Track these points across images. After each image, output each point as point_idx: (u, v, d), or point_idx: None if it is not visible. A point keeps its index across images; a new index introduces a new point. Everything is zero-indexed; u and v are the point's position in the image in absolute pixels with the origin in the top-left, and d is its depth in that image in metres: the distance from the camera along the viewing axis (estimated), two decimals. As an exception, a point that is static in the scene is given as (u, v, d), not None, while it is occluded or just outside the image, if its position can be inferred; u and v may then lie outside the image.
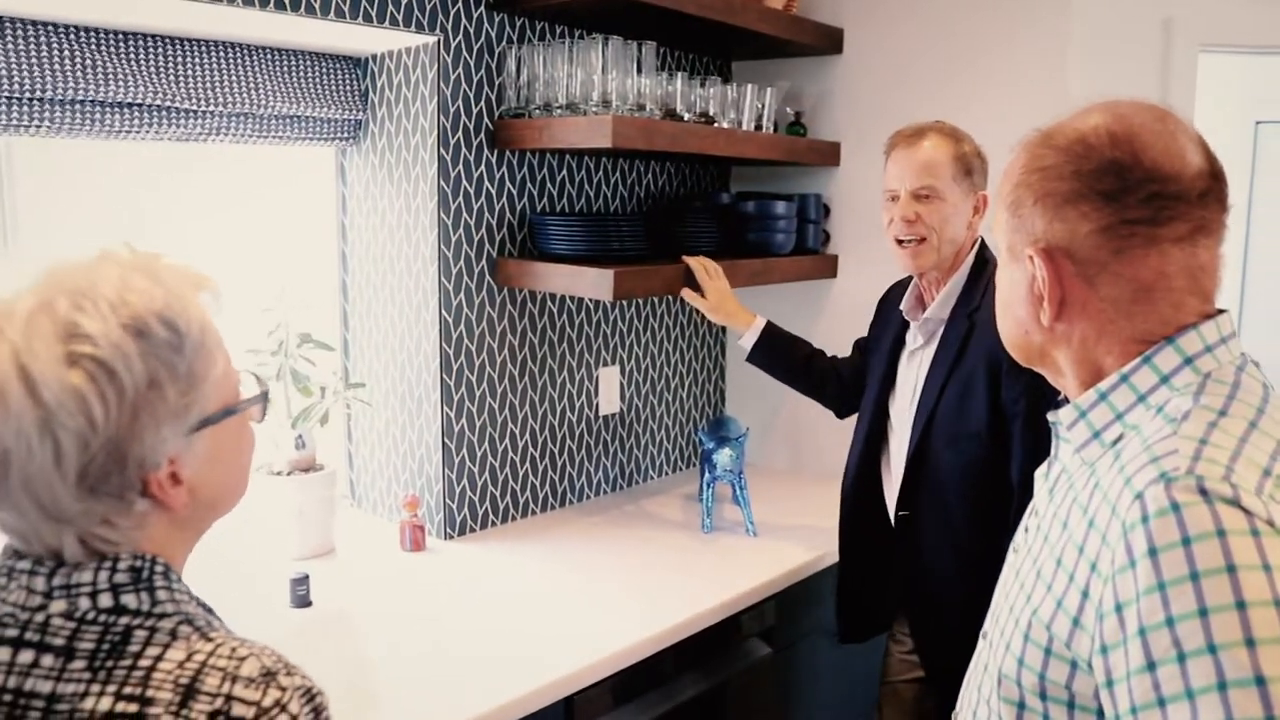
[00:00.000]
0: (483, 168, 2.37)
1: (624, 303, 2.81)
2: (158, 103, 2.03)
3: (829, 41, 2.82)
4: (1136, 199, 0.95)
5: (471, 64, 2.31)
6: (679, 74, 2.42)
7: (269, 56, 2.22)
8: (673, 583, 2.16)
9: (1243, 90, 3.74)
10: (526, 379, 2.53)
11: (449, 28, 2.25)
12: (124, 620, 0.84)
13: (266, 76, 2.21)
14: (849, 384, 2.37)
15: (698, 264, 2.37)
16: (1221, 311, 0.99)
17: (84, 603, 0.84)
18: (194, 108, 2.10)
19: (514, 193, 2.45)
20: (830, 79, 2.90)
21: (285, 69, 2.25)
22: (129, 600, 0.85)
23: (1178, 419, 0.92)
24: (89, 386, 0.80)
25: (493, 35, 2.35)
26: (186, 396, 0.86)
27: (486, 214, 2.39)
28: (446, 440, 2.35)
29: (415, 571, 2.20)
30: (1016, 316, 1.07)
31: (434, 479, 2.37)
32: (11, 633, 0.84)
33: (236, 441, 0.95)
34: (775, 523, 2.57)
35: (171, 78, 2.05)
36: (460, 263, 2.34)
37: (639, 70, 2.31)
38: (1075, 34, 2.49)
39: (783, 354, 2.38)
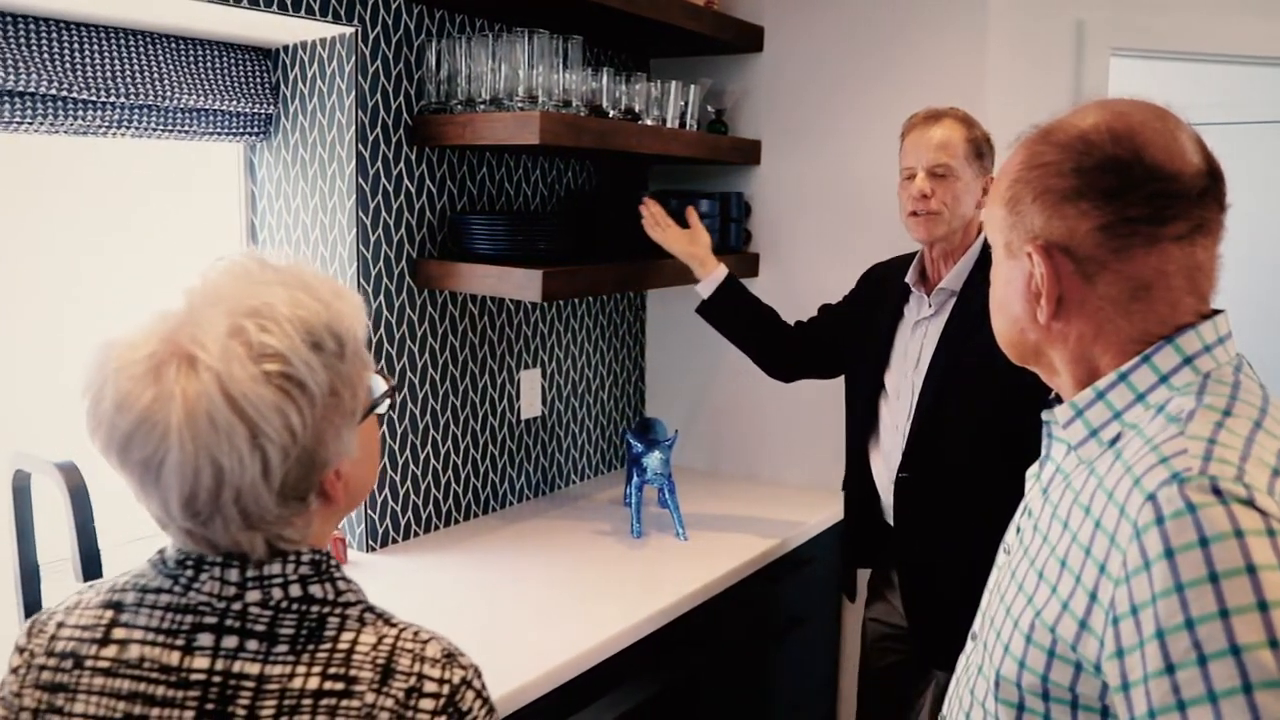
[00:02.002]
0: (401, 165, 2.28)
1: (544, 304, 2.75)
2: (52, 92, 1.89)
3: (749, 39, 2.80)
4: (1138, 197, 0.94)
5: (390, 57, 2.22)
6: (604, 70, 2.38)
7: (174, 45, 2.09)
8: (609, 591, 2.11)
9: (1137, 94, 3.86)
10: (448, 384, 2.44)
11: (366, 18, 2.16)
12: (314, 608, 0.91)
13: (171, 66, 2.08)
14: (814, 346, 2.38)
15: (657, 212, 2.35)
16: (1218, 312, 0.99)
17: (276, 593, 0.90)
18: (93, 98, 1.96)
19: (434, 191, 2.37)
20: (750, 77, 2.88)
21: (191, 59, 2.12)
22: (315, 590, 0.92)
23: (1182, 418, 0.91)
24: (286, 401, 0.86)
25: (411, 27, 2.27)
26: (354, 400, 0.93)
27: (406, 213, 2.30)
28: (368, 449, 2.25)
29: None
30: (1012, 314, 1.05)
31: (355, 489, 2.27)
32: (211, 620, 0.89)
33: (373, 434, 1.02)
34: (704, 525, 2.54)
35: (67, 65, 1.91)
36: (379, 264, 2.24)
37: (565, 65, 2.25)
38: (992, 34, 2.52)
39: (743, 305, 2.35)
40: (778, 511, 2.66)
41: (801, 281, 2.86)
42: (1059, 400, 1.12)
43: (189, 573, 0.91)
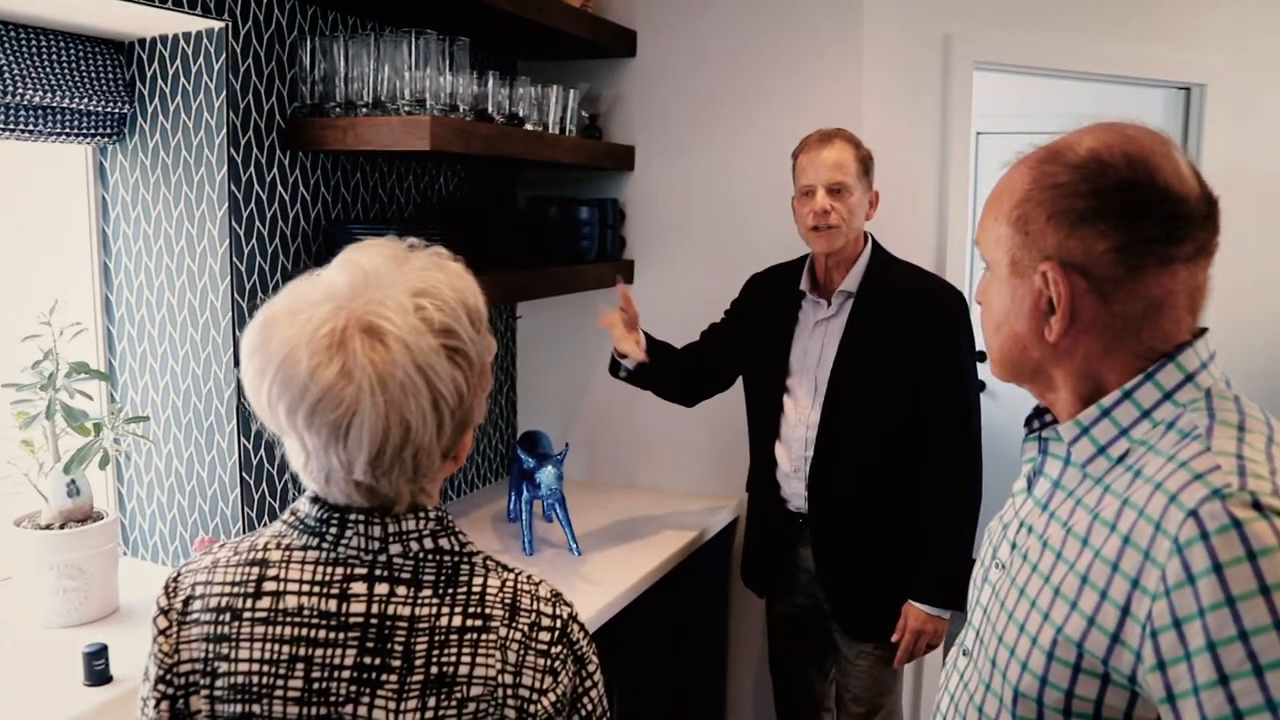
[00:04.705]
0: (275, 170, 2.13)
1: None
2: (-121, 88, 1.66)
3: (623, 44, 2.77)
4: (1154, 219, 0.96)
5: (262, 55, 2.07)
6: (490, 73, 2.29)
7: (12, 34, 1.87)
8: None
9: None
10: (325, 401, 2.30)
11: (237, 13, 2.00)
12: (447, 558, 1.03)
13: (11, 58, 1.87)
14: (711, 369, 2.45)
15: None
16: (1204, 329, 1.02)
17: (414, 545, 1.01)
18: (-76, 95, 1.74)
19: (308, 198, 2.22)
20: (622, 82, 2.85)
21: (33, 50, 1.91)
22: (444, 543, 1.03)
23: (1201, 434, 0.94)
24: (457, 370, 0.98)
25: (283, 24, 2.12)
26: (488, 370, 1.04)
27: (280, 222, 2.15)
28: (245, 475, 2.10)
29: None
30: (1014, 332, 1.05)
31: (232, 518, 2.10)
32: (361, 571, 1.00)
33: None
34: (594, 537, 2.50)
35: (-104, 58, 1.69)
36: (254, 277, 2.09)
37: (451, 68, 2.16)
38: (866, 44, 2.58)
39: (658, 369, 2.34)
40: (663, 519, 2.65)
41: (676, 286, 2.86)
42: (1040, 414, 1.14)
43: (334, 530, 1.01)
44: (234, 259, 2.04)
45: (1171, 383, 0.99)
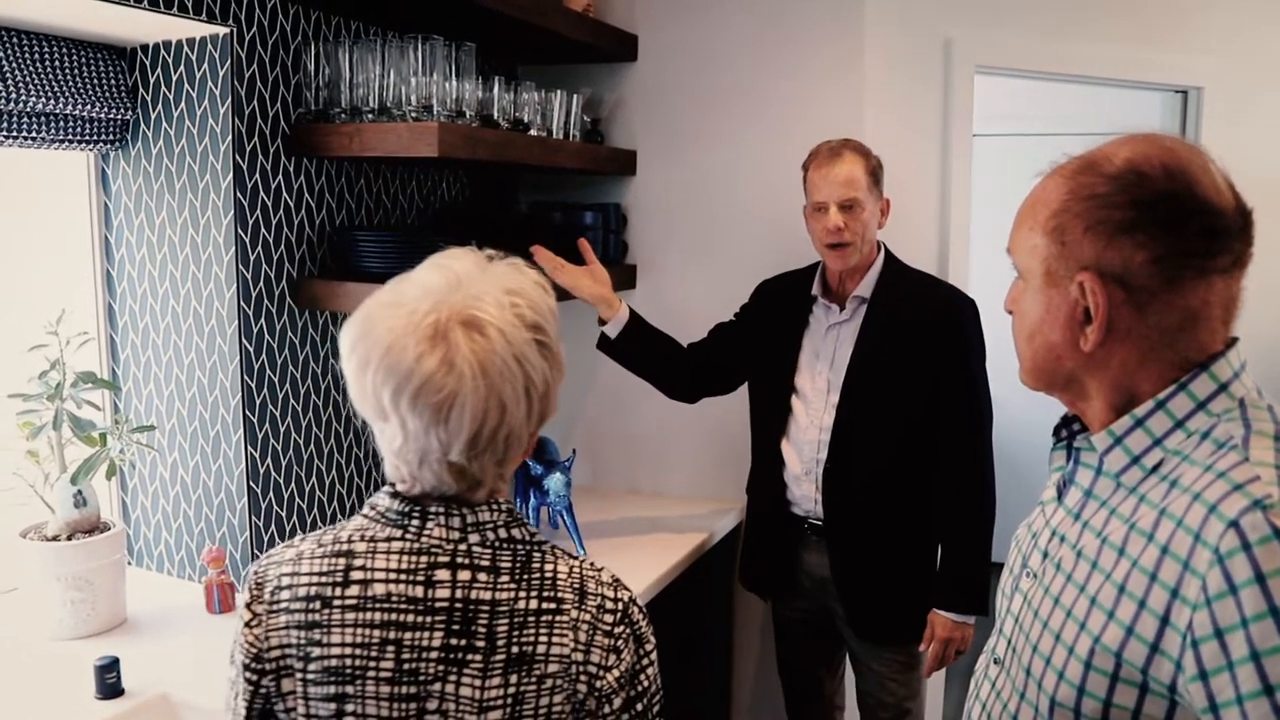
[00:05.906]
0: (280, 177, 2.11)
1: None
2: (-117, 96, 1.64)
3: (625, 48, 2.76)
4: (1193, 231, 0.96)
5: (267, 60, 2.06)
6: (496, 79, 2.28)
7: (14, 40, 1.85)
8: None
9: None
10: (331, 410, 2.29)
11: (242, 18, 1.99)
12: (520, 546, 1.10)
13: (13, 65, 1.85)
14: (715, 366, 2.44)
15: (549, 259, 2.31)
16: (1236, 339, 1.02)
17: (490, 535, 1.09)
18: (-72, 102, 1.72)
19: (313, 205, 2.21)
20: (623, 86, 2.85)
21: (35, 57, 1.89)
22: (515, 533, 1.10)
23: (1238, 444, 0.94)
24: (544, 362, 1.07)
25: (288, 29, 2.10)
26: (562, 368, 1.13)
27: (285, 229, 2.14)
28: (252, 484, 2.08)
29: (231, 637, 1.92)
30: (1048, 341, 1.05)
31: (239, 528, 2.09)
32: (444, 559, 1.07)
33: None
34: (601, 543, 2.49)
35: (-100, 65, 1.66)
36: (260, 284, 2.07)
37: (457, 73, 2.15)
38: (868, 48, 2.58)
39: (647, 340, 2.37)
40: (670, 523, 2.65)
41: (679, 291, 2.85)
42: (1067, 424, 1.14)
43: (416, 522, 1.08)
44: (239, 266, 2.02)
45: (1205, 392, 0.99)
